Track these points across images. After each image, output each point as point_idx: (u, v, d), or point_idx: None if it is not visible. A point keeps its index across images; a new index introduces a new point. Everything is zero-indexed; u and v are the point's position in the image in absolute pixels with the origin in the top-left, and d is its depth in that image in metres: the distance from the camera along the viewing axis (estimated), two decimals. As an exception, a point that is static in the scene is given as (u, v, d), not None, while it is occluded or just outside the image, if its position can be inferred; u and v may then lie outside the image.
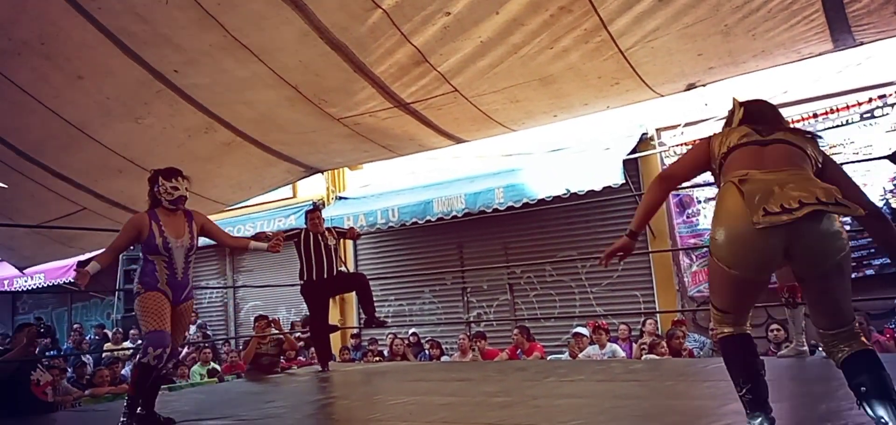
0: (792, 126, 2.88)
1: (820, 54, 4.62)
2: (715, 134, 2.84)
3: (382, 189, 11.13)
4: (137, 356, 3.92)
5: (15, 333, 5.63)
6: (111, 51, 4.50)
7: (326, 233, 6.67)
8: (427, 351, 9.34)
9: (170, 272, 4.02)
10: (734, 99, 2.93)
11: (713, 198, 8.59)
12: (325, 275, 6.52)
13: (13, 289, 14.96)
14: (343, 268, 7.17)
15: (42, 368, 5.33)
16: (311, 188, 11.95)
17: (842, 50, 4.57)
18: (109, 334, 12.55)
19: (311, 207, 7.02)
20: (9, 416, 4.91)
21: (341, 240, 6.99)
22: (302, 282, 6.60)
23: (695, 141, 9.01)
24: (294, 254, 6.69)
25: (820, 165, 2.59)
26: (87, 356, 9.92)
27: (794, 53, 4.57)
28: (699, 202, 9.01)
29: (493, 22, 4.18)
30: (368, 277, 6.88)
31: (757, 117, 2.76)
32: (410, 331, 10.12)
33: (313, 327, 6.79)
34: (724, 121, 2.96)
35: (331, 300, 7.01)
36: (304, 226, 6.68)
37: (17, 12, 4.20)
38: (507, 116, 5.63)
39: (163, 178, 4.15)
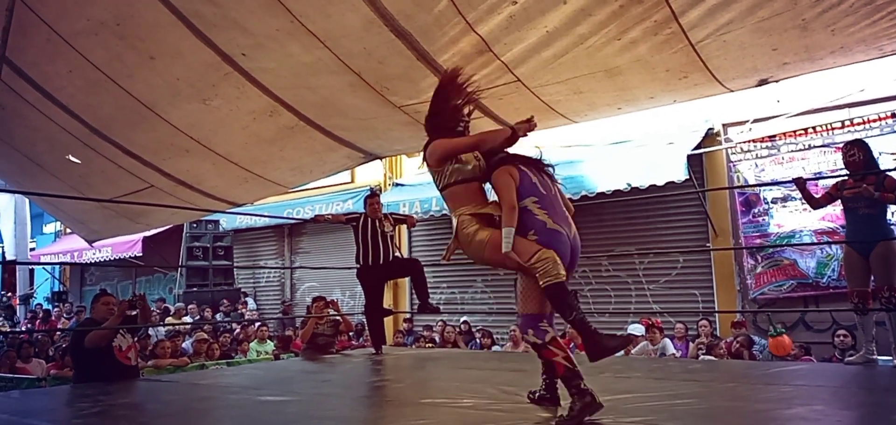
0: None
1: (904, 52, 4.41)
2: None
3: (439, 176, 11.13)
4: None
5: (92, 303, 5.86)
6: (182, 33, 4.61)
7: (384, 219, 6.72)
8: (478, 340, 9.35)
9: None
10: None
11: (781, 199, 8.41)
12: (381, 261, 6.57)
13: (82, 261, 15.60)
14: (398, 254, 7.22)
15: (122, 334, 5.54)
16: (369, 174, 12.08)
17: (928, 47, 4.35)
18: (171, 308, 12.97)
19: (370, 193, 7.08)
20: (100, 381, 5.12)
21: (397, 227, 7.04)
22: (358, 266, 6.67)
23: (764, 138, 8.76)
24: (350, 237, 6.77)
25: None
26: (158, 328, 10.27)
27: (876, 50, 4.37)
28: (766, 202, 8.74)
29: (560, 12, 4.11)
30: (423, 263, 6.90)
31: None
32: (462, 319, 10.14)
33: (368, 311, 6.87)
34: None
35: (385, 285, 7.07)
36: (363, 211, 6.74)
37: (96, -8, 4.35)
38: (570, 108, 5.55)
39: None
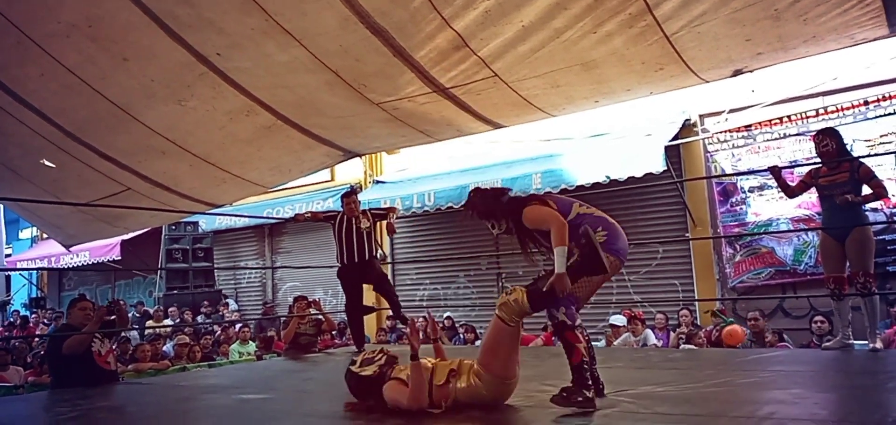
0: None
1: (874, 40, 4.46)
2: None
3: (419, 173, 11.14)
4: None
5: (69, 308, 5.77)
6: (156, 33, 4.55)
7: (361, 216, 6.67)
8: (462, 335, 9.36)
9: None
10: None
11: (758, 187, 8.49)
12: (356, 259, 6.53)
13: (59, 266, 15.40)
14: (380, 253, 7.15)
15: (100, 339, 5.47)
16: (349, 172, 12.04)
17: (898, 35, 4.42)
18: (151, 311, 12.86)
19: (348, 191, 7.05)
20: (78, 387, 5.04)
21: (378, 224, 7.00)
22: (338, 266, 6.65)
23: (740, 127, 8.84)
24: (331, 236, 6.74)
25: None
26: (133, 332, 10.17)
27: (847, 39, 4.42)
28: (743, 191, 8.84)
29: (536, 6, 4.12)
30: (404, 261, 6.88)
31: None
32: (445, 315, 10.15)
33: (349, 309, 6.87)
34: None
35: (364, 283, 7.00)
36: (341, 210, 6.71)
37: (67, -6, 4.28)
38: (548, 101, 5.57)
39: None
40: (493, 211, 3.70)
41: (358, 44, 4.62)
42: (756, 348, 6.71)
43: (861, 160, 5.23)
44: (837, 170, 5.07)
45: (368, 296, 10.84)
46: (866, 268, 4.90)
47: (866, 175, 4.97)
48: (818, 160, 5.29)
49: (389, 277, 7.03)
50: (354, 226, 6.58)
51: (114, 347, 5.85)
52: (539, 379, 4.22)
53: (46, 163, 6.47)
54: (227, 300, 13.90)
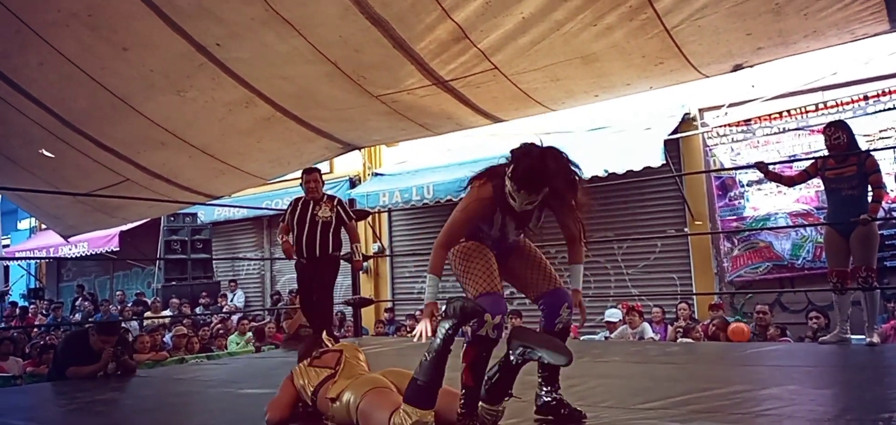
0: None
1: (874, 35, 4.46)
2: None
3: (418, 166, 11.13)
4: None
5: (97, 329, 5.71)
6: (155, 23, 4.53)
7: (324, 202, 6.10)
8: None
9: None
10: None
11: (756, 182, 8.49)
12: (307, 253, 5.91)
13: (58, 256, 15.38)
14: (350, 255, 6.30)
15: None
16: (348, 164, 12.03)
17: (898, 30, 4.41)
18: (149, 302, 12.85)
19: (309, 167, 6.32)
20: None
21: (343, 220, 6.31)
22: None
23: (739, 122, 8.84)
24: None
25: None
26: (133, 323, 10.17)
27: (848, 34, 4.42)
28: (742, 185, 8.84)
29: (537, -3, 4.11)
30: (402, 253, 6.78)
31: None
32: (443, 308, 10.13)
33: (302, 306, 6.27)
34: None
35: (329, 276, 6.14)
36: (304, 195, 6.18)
37: (66, -17, 4.27)
38: (547, 95, 5.56)
39: None
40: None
41: (358, 34, 4.60)
42: (756, 341, 6.73)
43: (868, 151, 5.25)
44: (845, 164, 5.08)
45: (365, 287, 10.84)
46: (869, 263, 4.92)
47: (872, 166, 4.99)
48: (819, 153, 5.31)
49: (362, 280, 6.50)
50: (310, 212, 6.01)
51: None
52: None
53: (45, 152, 6.46)
54: (238, 290, 13.79)
